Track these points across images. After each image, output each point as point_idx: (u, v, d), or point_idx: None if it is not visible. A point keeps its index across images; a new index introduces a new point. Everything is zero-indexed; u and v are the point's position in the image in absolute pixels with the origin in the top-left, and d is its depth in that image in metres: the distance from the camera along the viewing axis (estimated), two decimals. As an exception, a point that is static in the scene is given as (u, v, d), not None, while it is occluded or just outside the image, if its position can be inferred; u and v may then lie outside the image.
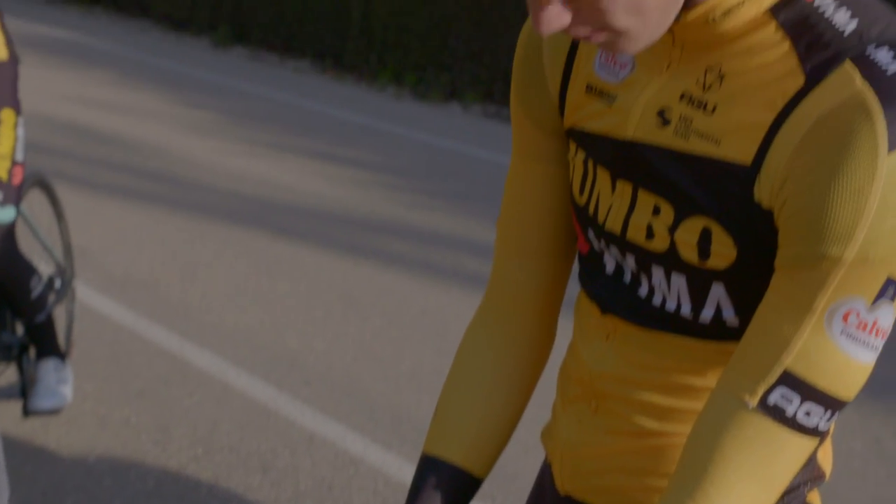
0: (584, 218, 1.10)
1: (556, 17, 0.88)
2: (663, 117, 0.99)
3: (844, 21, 0.90)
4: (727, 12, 0.93)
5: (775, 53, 0.92)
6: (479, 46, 8.98)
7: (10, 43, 3.01)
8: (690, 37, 0.96)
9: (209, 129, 7.63)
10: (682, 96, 0.98)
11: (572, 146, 1.10)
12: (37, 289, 3.09)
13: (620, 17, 0.89)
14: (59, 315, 3.90)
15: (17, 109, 2.97)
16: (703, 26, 0.94)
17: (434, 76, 9.36)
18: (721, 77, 0.95)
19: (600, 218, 1.07)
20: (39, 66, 9.50)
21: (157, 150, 6.86)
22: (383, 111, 8.74)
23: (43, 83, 8.67)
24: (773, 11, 0.93)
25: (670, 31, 0.96)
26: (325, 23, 10.44)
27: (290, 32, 10.89)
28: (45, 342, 3.19)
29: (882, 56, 0.87)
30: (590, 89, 1.07)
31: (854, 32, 0.89)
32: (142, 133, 7.31)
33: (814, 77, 0.89)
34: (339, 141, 7.59)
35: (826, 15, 0.91)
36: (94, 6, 13.81)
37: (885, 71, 0.86)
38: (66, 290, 3.43)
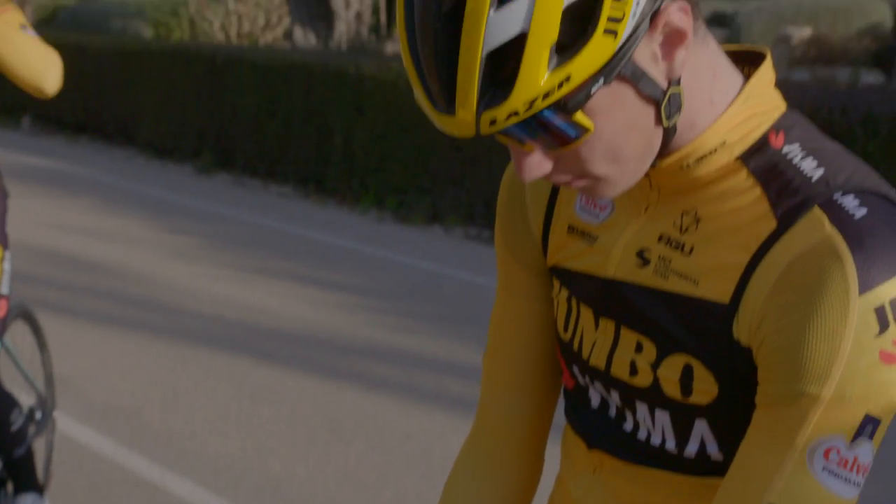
0: (569, 354, 1.13)
1: (537, 165, 0.93)
2: (643, 258, 1.03)
3: (811, 168, 0.96)
4: (700, 159, 0.98)
5: (747, 198, 0.97)
6: (459, 170, 9.13)
7: None
8: (666, 181, 1.01)
9: (193, 254, 7.67)
10: (660, 238, 1.02)
11: (556, 284, 1.14)
12: (17, 422, 3.07)
13: (599, 166, 0.94)
14: (39, 446, 3.86)
15: (5, 244, 3.01)
16: (678, 172, 0.99)
17: (415, 199, 9.49)
18: (697, 220, 1.00)
19: (585, 354, 1.10)
20: (24, 195, 9.57)
21: (140, 277, 6.88)
22: (366, 234, 8.83)
23: (27, 212, 8.73)
24: (744, 159, 0.98)
25: (647, 175, 1.01)
26: (307, 148, 10.61)
27: (273, 158, 11.06)
28: (23, 476, 3.15)
29: (849, 202, 0.92)
30: (571, 230, 1.11)
31: (821, 179, 0.94)
32: (125, 260, 7.34)
33: (785, 221, 0.94)
34: (321, 264, 7.63)
35: (794, 162, 0.97)
36: (79, 135, 14.00)
37: (853, 216, 0.91)
38: (46, 422, 3.40)
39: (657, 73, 0.92)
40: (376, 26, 16.96)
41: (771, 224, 0.95)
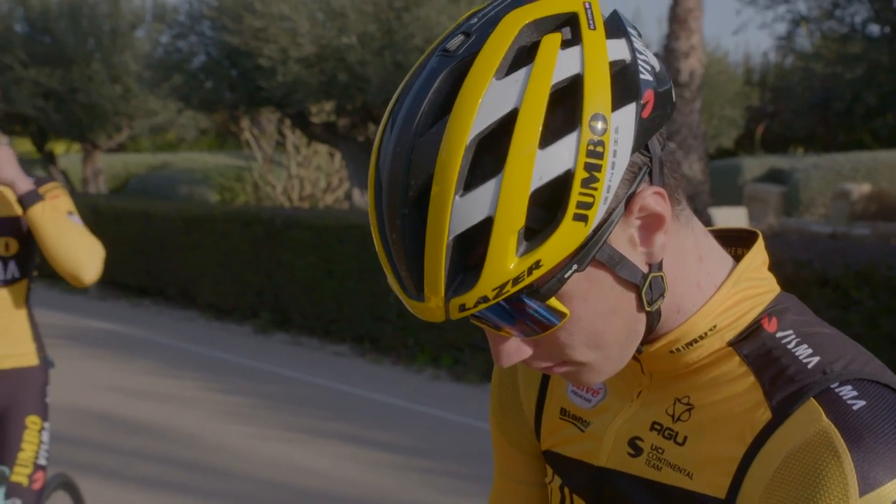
0: None
1: (516, 351, 0.91)
2: (635, 447, 1.00)
3: (807, 355, 0.91)
4: (690, 344, 0.95)
5: (741, 386, 0.93)
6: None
7: (41, 349, 3.10)
8: (657, 366, 0.98)
9: (246, 415, 7.63)
10: (653, 426, 0.98)
11: (549, 471, 1.11)
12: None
13: (580, 352, 0.91)
14: None
15: (44, 416, 3.02)
16: (668, 357, 0.96)
17: (470, 357, 9.43)
18: (690, 408, 0.96)
19: None
20: (83, 357, 9.70)
21: (192, 439, 6.85)
22: (420, 393, 8.74)
23: (85, 375, 8.82)
24: (736, 345, 0.95)
25: (638, 360, 0.98)
26: (362, 307, 10.68)
27: (329, 317, 11.13)
28: None
29: (846, 392, 0.87)
30: (564, 413, 1.09)
31: (817, 366, 0.90)
32: (179, 421, 7.33)
33: (780, 412, 0.89)
34: (374, 424, 7.54)
35: (789, 348, 0.93)
36: (142, 298, 14.28)
37: (851, 407, 0.86)
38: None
39: (636, 257, 0.89)
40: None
41: (766, 414, 0.90)
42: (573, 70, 0.83)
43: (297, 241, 11.47)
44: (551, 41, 0.83)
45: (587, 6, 0.86)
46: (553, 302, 0.86)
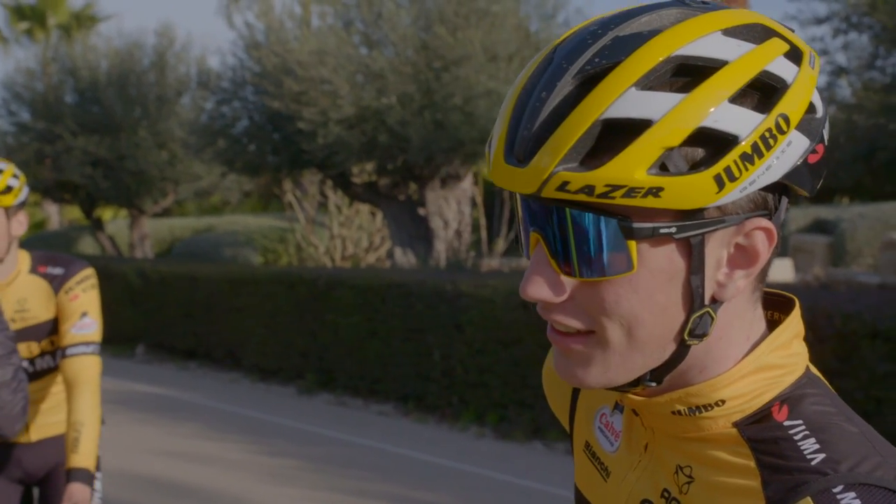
0: None
1: (550, 286, 0.87)
2: None
3: (813, 450, 0.86)
4: (693, 411, 0.91)
5: (739, 469, 0.89)
6: (559, 383, 9.02)
7: None
8: (658, 424, 0.95)
9: (291, 476, 7.61)
10: (662, 493, 0.96)
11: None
12: None
13: (614, 325, 0.87)
14: None
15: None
16: (669, 417, 0.93)
17: (516, 415, 9.35)
18: (690, 481, 0.93)
19: None
20: (130, 422, 9.75)
21: (238, 501, 6.82)
22: (465, 451, 8.67)
23: (132, 439, 8.85)
24: (742, 426, 0.91)
25: (638, 415, 0.96)
26: (407, 366, 10.65)
27: (374, 377, 11.11)
28: None
29: (845, 497, 0.81)
30: (587, 448, 1.08)
31: (821, 464, 0.85)
32: (223, 484, 7.31)
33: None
34: (419, 484, 7.47)
35: (795, 439, 0.87)
36: (189, 361, 14.36)
37: None
38: None
39: (710, 278, 0.87)
40: (477, 242, 17.32)
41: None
42: (785, 75, 0.85)
43: (340, 301, 11.51)
44: (780, 44, 0.86)
45: (812, 56, 0.89)
46: (632, 245, 0.83)
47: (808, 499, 0.83)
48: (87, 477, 2.95)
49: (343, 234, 18.62)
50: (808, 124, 0.86)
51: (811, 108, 0.87)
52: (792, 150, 0.84)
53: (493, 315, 9.46)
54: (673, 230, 0.83)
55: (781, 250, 16.14)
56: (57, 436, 3.30)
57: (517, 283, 9.46)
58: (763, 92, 0.84)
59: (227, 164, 15.98)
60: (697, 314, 0.87)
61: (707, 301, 0.87)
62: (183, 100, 20.31)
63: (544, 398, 6.99)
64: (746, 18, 0.85)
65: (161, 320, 14.94)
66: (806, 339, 0.96)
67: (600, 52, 0.83)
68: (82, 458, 2.95)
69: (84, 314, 3.13)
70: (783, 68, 0.84)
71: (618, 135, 0.81)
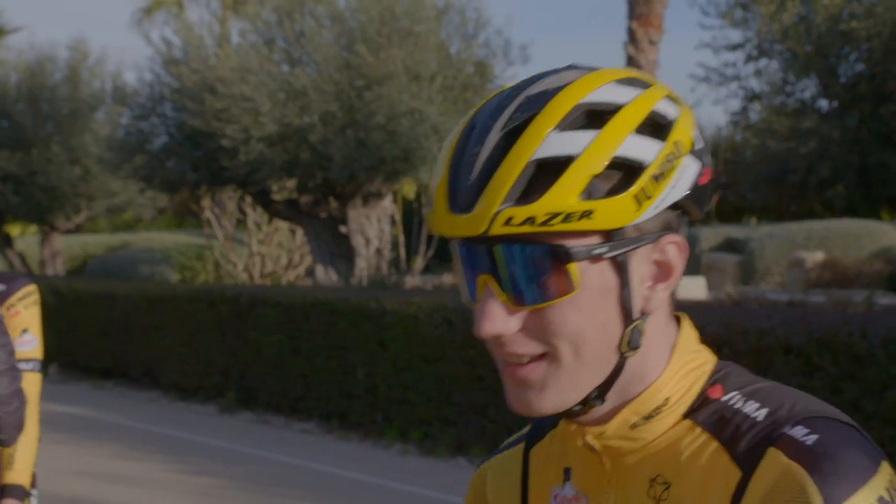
0: None
1: (503, 319, 0.98)
2: None
3: (755, 409, 1.01)
4: (648, 417, 1.03)
5: (706, 453, 1.01)
6: (482, 400, 9.11)
7: None
8: (616, 451, 1.05)
9: (215, 495, 7.56)
10: None
11: None
12: None
13: (565, 345, 0.98)
14: None
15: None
16: (628, 434, 1.03)
17: (440, 431, 9.42)
18: (667, 486, 1.03)
19: None
20: (47, 443, 9.54)
21: (162, 522, 6.76)
22: (390, 468, 8.71)
23: (49, 460, 8.68)
24: (692, 416, 1.04)
25: (595, 452, 1.05)
26: (330, 384, 10.65)
27: (296, 395, 11.08)
28: None
29: (798, 432, 0.97)
30: None
31: (768, 417, 1.00)
32: (148, 504, 7.24)
33: (748, 467, 0.98)
34: (344, 501, 7.49)
35: (737, 407, 1.02)
36: (105, 380, 14.11)
37: (804, 443, 0.96)
38: None
39: (638, 293, 1.00)
40: (396, 261, 17.37)
41: (736, 473, 0.98)
42: (670, 113, 1.01)
43: (262, 318, 11.45)
44: (661, 89, 1.03)
45: (683, 100, 1.06)
46: (573, 269, 0.96)
47: (772, 448, 0.96)
48: (21, 493, 2.94)
49: (262, 252, 18.51)
50: (695, 151, 1.02)
51: (696, 139, 1.03)
52: (689, 172, 1.00)
53: (417, 332, 9.53)
54: (605, 249, 0.96)
55: (694, 269, 16.51)
56: None
57: (441, 300, 9.55)
58: (657, 125, 0.99)
59: (144, 180, 15.79)
60: (631, 327, 1.00)
61: (637, 314, 1.00)
62: (98, 115, 20.00)
63: (468, 414, 7.12)
64: (630, 73, 1.03)
65: (76, 339, 14.66)
66: (722, 355, 1.09)
67: (519, 108, 0.98)
68: (17, 474, 2.95)
69: (25, 331, 3.12)
70: (667, 107, 1.01)
71: (547, 172, 0.95)
